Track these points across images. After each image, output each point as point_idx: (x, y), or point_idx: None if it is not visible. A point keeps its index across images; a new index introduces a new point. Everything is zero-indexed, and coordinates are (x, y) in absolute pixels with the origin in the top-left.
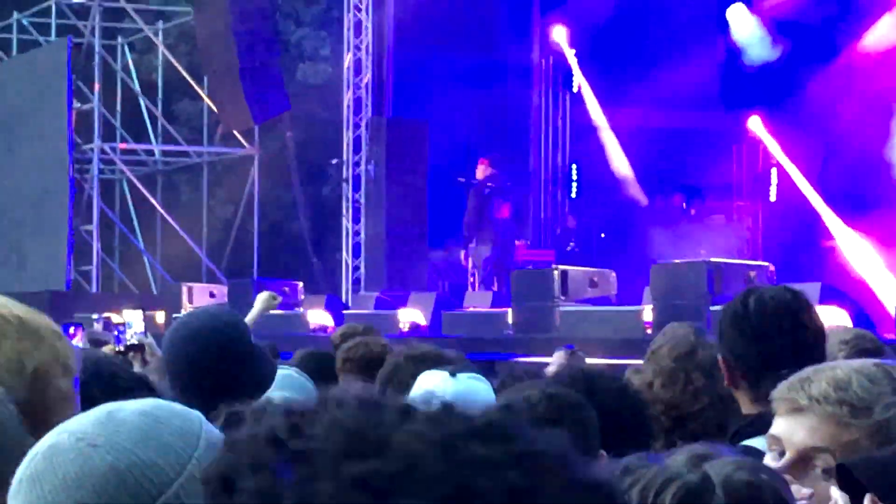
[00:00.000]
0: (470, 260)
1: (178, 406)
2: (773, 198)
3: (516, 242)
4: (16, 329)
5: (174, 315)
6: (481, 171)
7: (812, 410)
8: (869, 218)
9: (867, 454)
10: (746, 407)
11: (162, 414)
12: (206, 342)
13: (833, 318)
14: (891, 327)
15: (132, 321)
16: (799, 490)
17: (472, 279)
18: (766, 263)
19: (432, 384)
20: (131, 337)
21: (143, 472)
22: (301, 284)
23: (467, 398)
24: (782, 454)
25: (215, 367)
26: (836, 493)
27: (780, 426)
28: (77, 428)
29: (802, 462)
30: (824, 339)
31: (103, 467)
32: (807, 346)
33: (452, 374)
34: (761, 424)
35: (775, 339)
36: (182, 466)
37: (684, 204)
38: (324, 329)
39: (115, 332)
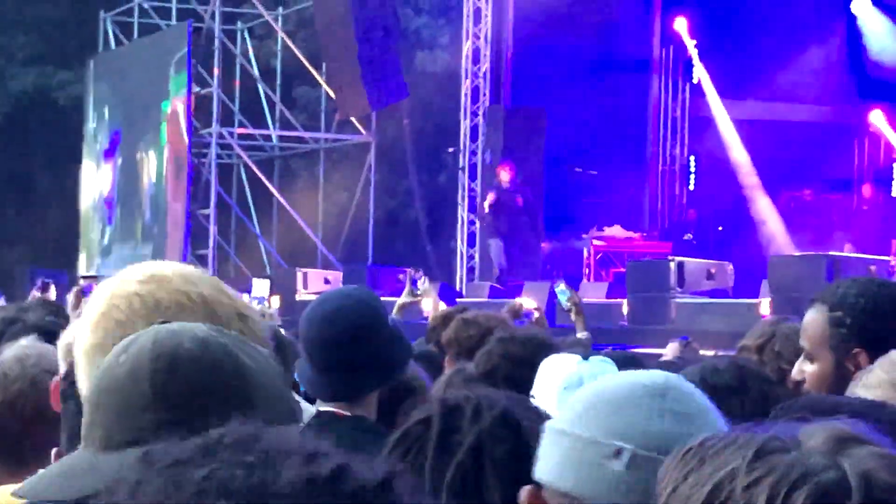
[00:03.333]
0: (586, 250)
1: None
2: (894, 192)
3: (633, 234)
4: (201, 311)
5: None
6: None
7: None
8: None
9: None
10: None
11: None
12: (343, 322)
13: None
14: None
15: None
16: None
17: (587, 270)
18: (888, 258)
19: (564, 368)
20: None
21: None
22: (416, 269)
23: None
24: None
25: (351, 346)
26: None
27: None
28: None
29: None
30: None
31: None
32: None
33: (585, 358)
34: None
35: None
36: None
37: (804, 197)
38: None
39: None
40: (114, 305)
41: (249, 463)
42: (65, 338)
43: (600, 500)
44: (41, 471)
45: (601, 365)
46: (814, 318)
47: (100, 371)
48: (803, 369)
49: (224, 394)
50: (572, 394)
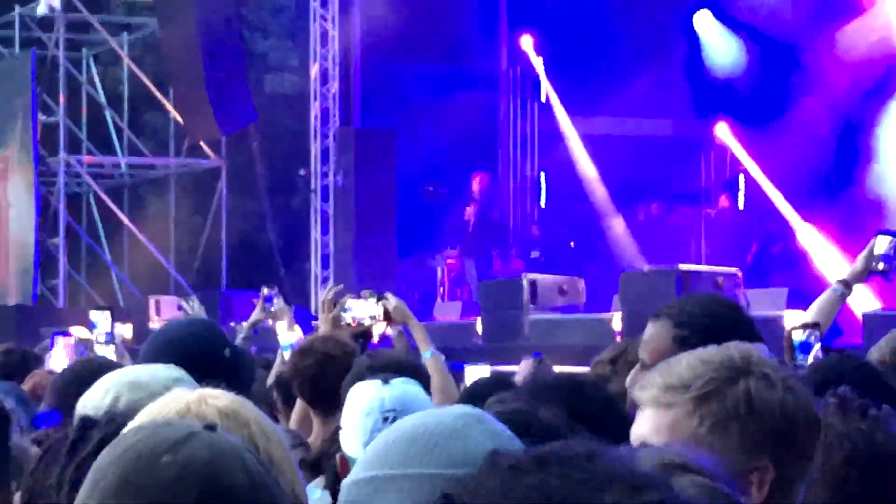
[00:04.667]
0: (440, 270)
1: None
2: (741, 205)
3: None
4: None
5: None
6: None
7: (644, 401)
8: (836, 223)
9: None
10: None
11: None
12: (184, 350)
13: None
14: (858, 333)
15: (98, 321)
16: None
17: (441, 289)
18: (734, 270)
19: (368, 393)
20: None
21: None
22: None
23: (405, 402)
24: None
25: (194, 375)
26: None
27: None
28: None
29: None
30: None
31: None
32: None
33: (385, 382)
34: None
35: None
36: None
37: (654, 210)
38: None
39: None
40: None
41: (577, 480)
42: None
43: None
44: None
45: (403, 386)
46: (657, 333)
47: (132, 459)
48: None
49: None
50: (374, 419)
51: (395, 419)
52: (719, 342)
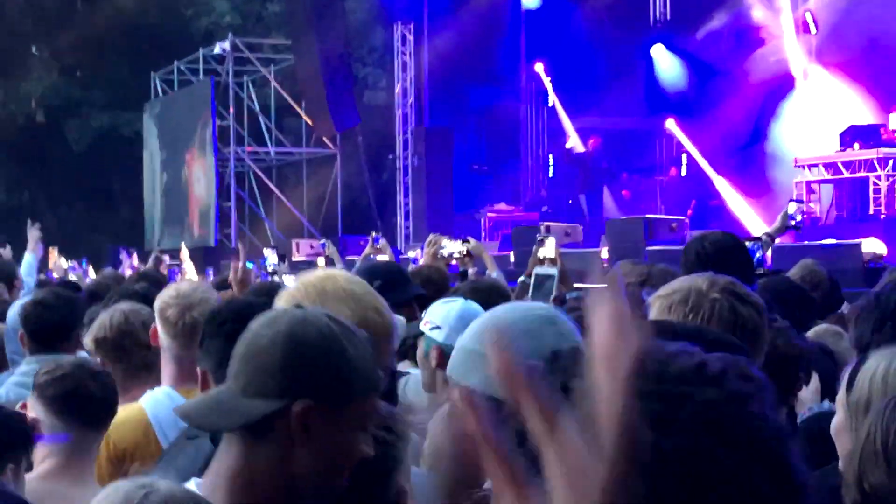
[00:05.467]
0: (482, 220)
1: None
2: (684, 173)
3: (513, 208)
4: (349, 303)
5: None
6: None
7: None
8: (747, 184)
9: None
10: None
11: None
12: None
13: None
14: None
15: (268, 256)
16: None
17: (483, 233)
18: (683, 217)
19: (445, 306)
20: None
21: None
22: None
23: (468, 314)
24: None
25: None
26: None
27: None
28: None
29: None
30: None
31: None
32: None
33: (464, 297)
34: None
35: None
36: None
37: (625, 178)
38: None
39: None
40: (297, 288)
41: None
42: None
43: None
44: (199, 396)
45: (468, 304)
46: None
47: (251, 332)
48: None
49: (330, 373)
50: (452, 321)
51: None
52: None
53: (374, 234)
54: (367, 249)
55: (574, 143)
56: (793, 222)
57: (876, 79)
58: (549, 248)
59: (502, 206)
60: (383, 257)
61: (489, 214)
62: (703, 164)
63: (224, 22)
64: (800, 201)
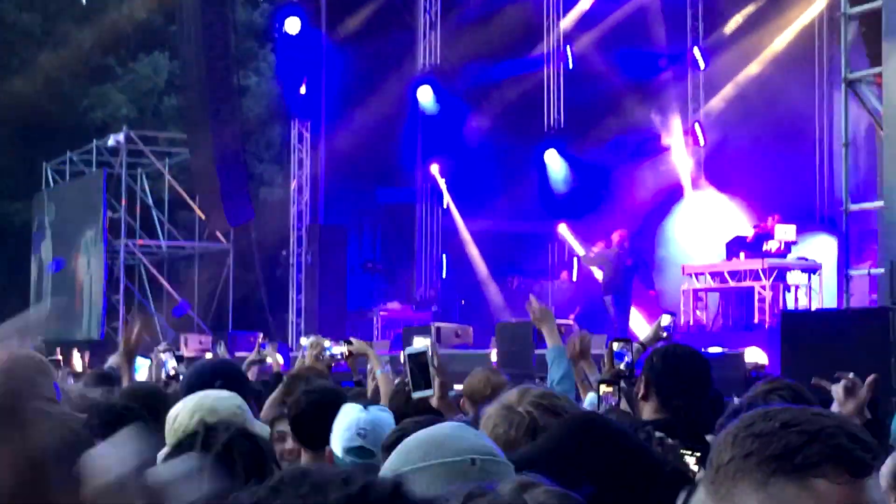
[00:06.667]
0: (375, 318)
1: None
2: (574, 278)
3: (394, 305)
4: None
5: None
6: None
7: None
8: (637, 292)
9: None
10: (650, 414)
11: None
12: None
13: None
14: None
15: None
16: None
17: (376, 332)
18: (570, 321)
19: (352, 414)
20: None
21: None
22: (262, 334)
23: (374, 423)
24: None
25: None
26: None
27: None
28: None
29: None
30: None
31: None
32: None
33: (365, 407)
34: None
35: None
36: None
37: (516, 281)
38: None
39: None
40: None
41: (304, 493)
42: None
43: None
44: None
45: (379, 413)
46: None
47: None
48: None
49: None
50: (351, 433)
51: (366, 436)
52: None
53: (260, 338)
54: (252, 355)
55: None
56: (664, 334)
57: (757, 191)
58: (339, 348)
59: (395, 304)
60: (272, 359)
61: (381, 313)
62: (594, 268)
63: (120, 114)
64: (673, 314)
